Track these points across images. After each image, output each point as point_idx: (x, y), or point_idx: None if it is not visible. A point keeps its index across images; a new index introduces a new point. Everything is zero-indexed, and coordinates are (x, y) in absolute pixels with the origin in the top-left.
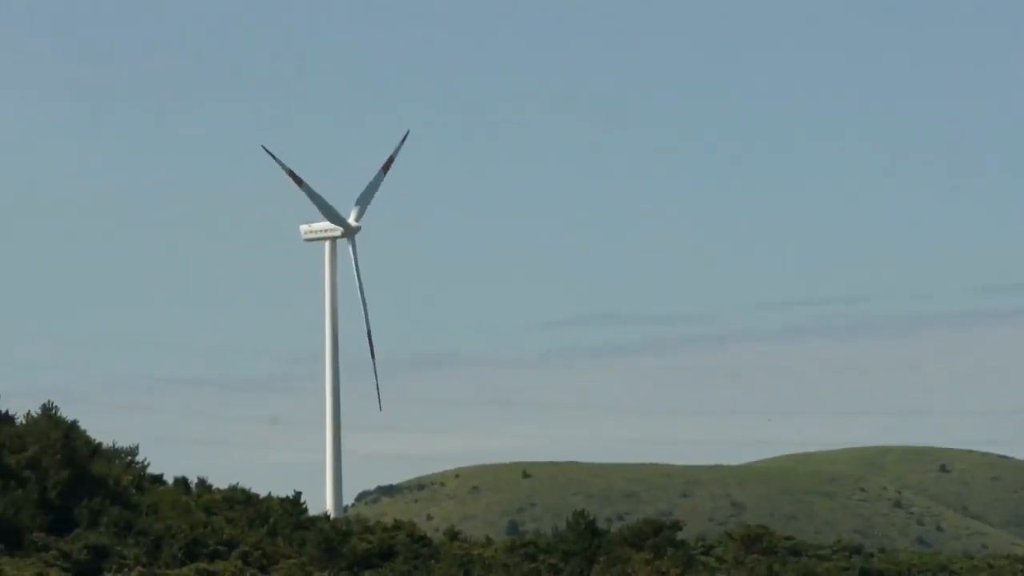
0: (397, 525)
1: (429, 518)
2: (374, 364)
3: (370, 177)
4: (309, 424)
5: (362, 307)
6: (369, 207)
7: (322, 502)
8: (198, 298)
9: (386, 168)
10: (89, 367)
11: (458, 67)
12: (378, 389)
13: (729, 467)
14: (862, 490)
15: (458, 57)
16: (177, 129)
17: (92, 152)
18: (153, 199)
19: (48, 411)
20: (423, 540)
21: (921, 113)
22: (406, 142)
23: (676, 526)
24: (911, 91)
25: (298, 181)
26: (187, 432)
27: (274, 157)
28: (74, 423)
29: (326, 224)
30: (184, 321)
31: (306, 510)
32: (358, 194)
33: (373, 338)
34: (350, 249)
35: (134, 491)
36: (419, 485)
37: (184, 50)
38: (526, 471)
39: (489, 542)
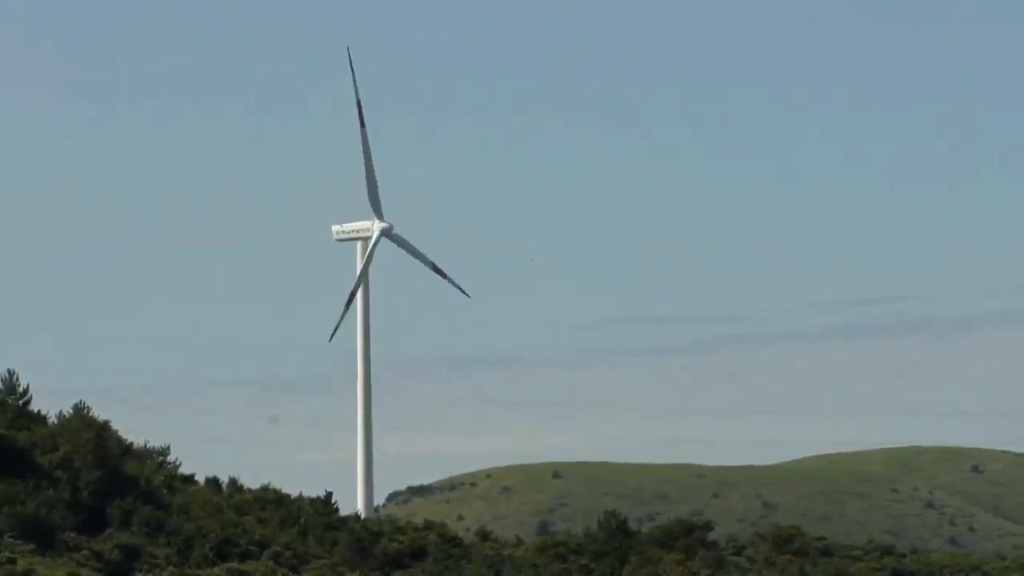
0: (428, 525)
1: (460, 518)
2: (449, 279)
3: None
4: (342, 424)
5: (433, 270)
6: (393, 208)
7: (353, 502)
8: (230, 298)
9: (361, 118)
10: (122, 367)
11: (458, 67)
12: (459, 286)
13: (761, 467)
14: (895, 491)
15: (458, 57)
16: (207, 128)
17: (118, 150)
18: (190, 199)
19: (80, 411)
20: (454, 540)
21: (958, 113)
22: (353, 65)
23: (707, 527)
24: (920, 90)
25: (360, 283)
26: (220, 432)
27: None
28: (106, 423)
29: (357, 224)
30: (217, 321)
31: (337, 510)
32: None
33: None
34: (395, 247)
35: (166, 491)
36: (450, 486)
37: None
38: (557, 471)
39: (520, 542)
